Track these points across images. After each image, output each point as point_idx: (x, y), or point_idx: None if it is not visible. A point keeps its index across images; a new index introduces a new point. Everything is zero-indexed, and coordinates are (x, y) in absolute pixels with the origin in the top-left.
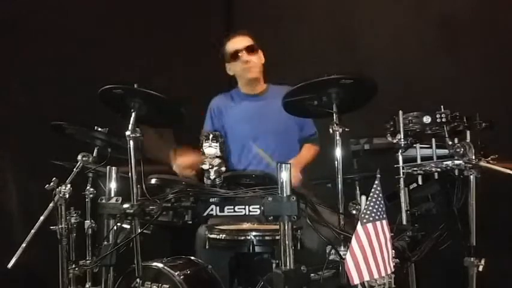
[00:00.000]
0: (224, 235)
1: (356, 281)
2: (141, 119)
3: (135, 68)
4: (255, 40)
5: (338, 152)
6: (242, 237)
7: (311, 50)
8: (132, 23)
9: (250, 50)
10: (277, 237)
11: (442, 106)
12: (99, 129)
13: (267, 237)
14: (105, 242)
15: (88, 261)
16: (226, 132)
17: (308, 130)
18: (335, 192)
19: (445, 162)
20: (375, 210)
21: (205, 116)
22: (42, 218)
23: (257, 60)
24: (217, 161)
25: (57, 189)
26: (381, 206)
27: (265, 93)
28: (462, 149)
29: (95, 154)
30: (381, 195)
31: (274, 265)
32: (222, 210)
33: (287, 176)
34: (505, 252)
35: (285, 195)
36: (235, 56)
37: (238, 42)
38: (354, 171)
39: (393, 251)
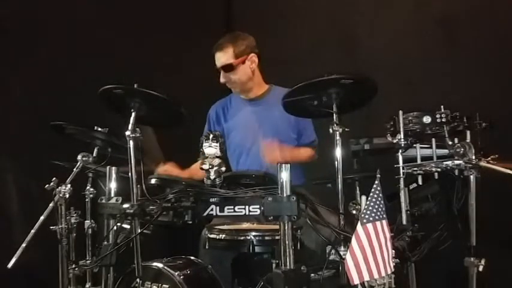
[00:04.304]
0: (224, 235)
1: (356, 281)
2: (141, 119)
3: (135, 68)
4: (241, 47)
5: (338, 152)
6: (242, 237)
7: (311, 50)
8: (132, 23)
9: (226, 69)
10: (277, 237)
11: (442, 106)
12: (99, 129)
13: (267, 237)
14: (105, 242)
15: (88, 261)
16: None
17: (307, 137)
18: (335, 192)
19: (445, 162)
20: (374, 210)
21: (205, 125)
22: (42, 218)
23: (237, 76)
24: (217, 161)
25: (57, 189)
26: (381, 206)
27: (264, 97)
28: (462, 149)
29: (95, 154)
30: (381, 195)
31: (274, 265)
32: (222, 210)
33: (287, 176)
34: (505, 252)
35: (285, 195)
36: (217, 73)
37: (217, 59)
38: (354, 171)
39: (393, 251)
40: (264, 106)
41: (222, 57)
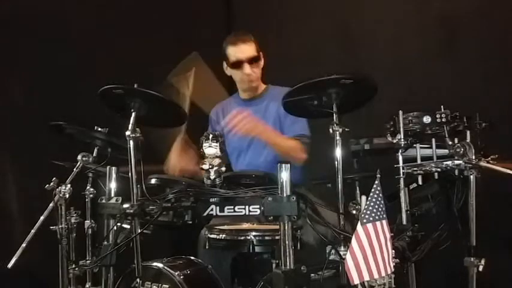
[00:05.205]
0: (224, 235)
1: (356, 281)
2: (141, 119)
3: (135, 68)
4: (258, 44)
5: (338, 152)
6: (242, 237)
7: (311, 50)
8: (132, 23)
9: (253, 61)
10: (277, 237)
11: (442, 106)
12: (99, 129)
13: (267, 237)
14: (105, 242)
15: (88, 261)
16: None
17: (291, 130)
18: (335, 192)
19: (445, 162)
20: (374, 210)
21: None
22: (42, 218)
23: (258, 70)
24: (217, 161)
25: (57, 189)
26: (381, 206)
27: (262, 96)
28: (462, 149)
29: (95, 154)
30: (381, 195)
31: (274, 265)
32: (222, 210)
33: (287, 176)
34: (505, 252)
35: (285, 195)
36: (237, 65)
37: (241, 51)
38: (354, 171)
39: (393, 251)
40: (260, 105)
41: (248, 50)
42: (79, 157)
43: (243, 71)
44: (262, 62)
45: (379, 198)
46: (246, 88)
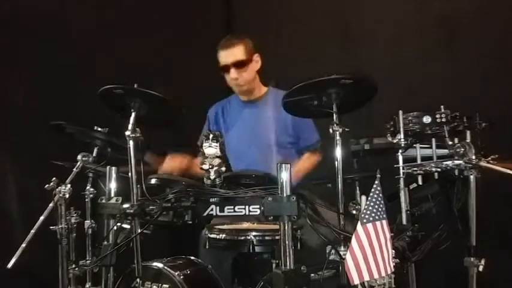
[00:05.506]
0: (224, 235)
1: (356, 281)
2: (141, 119)
3: (135, 68)
4: (250, 45)
5: (338, 152)
6: (242, 237)
7: (311, 50)
8: (132, 23)
9: (239, 65)
10: (277, 237)
11: (442, 106)
12: (99, 129)
13: (267, 237)
14: (105, 242)
15: (88, 261)
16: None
17: (306, 140)
18: (335, 192)
19: (445, 162)
20: (374, 210)
21: (204, 125)
22: (42, 218)
23: (247, 74)
24: (217, 161)
25: (57, 189)
26: (381, 206)
27: (263, 99)
28: (462, 149)
29: (94, 154)
30: (381, 195)
31: (274, 265)
32: (222, 210)
33: (287, 176)
34: (505, 252)
35: (285, 195)
36: (224, 69)
37: (227, 56)
38: (354, 171)
39: (393, 251)
40: (260, 108)
41: (235, 54)
42: (79, 157)
43: (230, 75)
44: (257, 65)
45: (379, 198)
46: (238, 91)
